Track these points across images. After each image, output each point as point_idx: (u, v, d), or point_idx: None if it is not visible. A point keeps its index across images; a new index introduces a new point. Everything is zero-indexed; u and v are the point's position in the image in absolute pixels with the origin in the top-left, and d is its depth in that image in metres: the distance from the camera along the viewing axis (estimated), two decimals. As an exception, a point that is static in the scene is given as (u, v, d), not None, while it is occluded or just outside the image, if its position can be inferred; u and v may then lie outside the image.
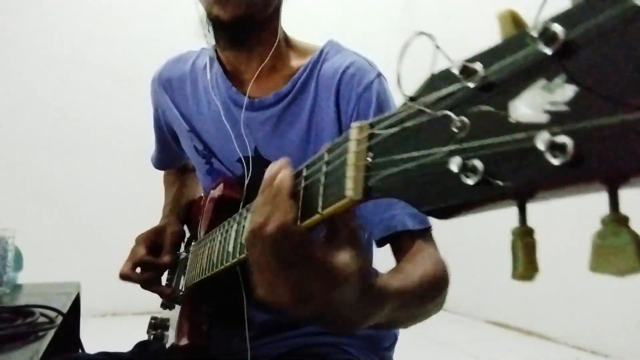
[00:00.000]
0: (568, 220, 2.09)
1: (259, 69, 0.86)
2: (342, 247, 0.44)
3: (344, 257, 0.43)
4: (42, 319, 0.99)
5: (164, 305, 1.02)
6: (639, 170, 0.20)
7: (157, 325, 0.96)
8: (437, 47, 0.31)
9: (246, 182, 0.85)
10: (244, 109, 0.86)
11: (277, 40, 0.86)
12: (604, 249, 0.22)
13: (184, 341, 0.79)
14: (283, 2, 0.87)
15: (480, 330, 3.11)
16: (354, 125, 0.40)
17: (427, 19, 3.77)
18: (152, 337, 0.97)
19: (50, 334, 0.94)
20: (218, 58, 0.92)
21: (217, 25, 0.81)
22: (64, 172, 3.32)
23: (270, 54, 0.86)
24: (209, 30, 0.84)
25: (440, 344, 2.84)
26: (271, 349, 0.86)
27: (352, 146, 0.38)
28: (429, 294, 0.63)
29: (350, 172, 0.38)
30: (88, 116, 3.39)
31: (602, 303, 2.47)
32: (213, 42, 0.89)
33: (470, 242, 3.12)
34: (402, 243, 0.73)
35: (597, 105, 0.22)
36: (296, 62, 0.88)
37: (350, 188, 0.37)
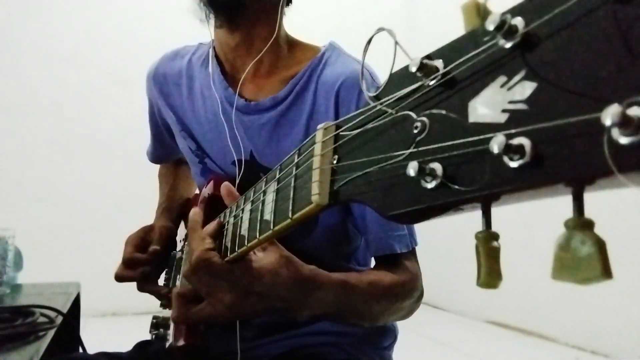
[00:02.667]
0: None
1: (254, 61, 0.84)
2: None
3: (260, 256, 0.56)
4: (42, 319, 0.98)
5: (164, 305, 1.02)
6: (601, 172, 0.18)
7: (159, 325, 0.96)
8: (397, 43, 0.29)
9: (237, 183, 0.84)
10: (234, 109, 0.84)
11: (274, 36, 0.83)
12: (567, 258, 0.20)
13: (181, 341, 0.79)
14: (287, 4, 0.86)
15: (480, 330, 3.11)
16: (320, 126, 0.38)
17: (427, 19, 3.77)
18: (154, 336, 0.97)
19: (50, 334, 0.94)
20: (216, 57, 0.90)
21: (211, 3, 0.79)
22: (64, 172, 3.32)
23: (266, 48, 0.83)
24: (203, 13, 0.82)
25: (440, 344, 2.84)
26: (270, 349, 0.86)
27: (317, 149, 0.37)
28: (383, 295, 0.72)
29: (315, 176, 0.36)
30: (88, 116, 3.39)
31: (602, 303, 2.47)
32: (210, 33, 0.87)
33: (470, 243, 3.12)
34: (384, 260, 0.80)
35: (557, 102, 0.20)
36: (296, 65, 0.86)
37: (316, 193, 0.35)
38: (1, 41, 3.27)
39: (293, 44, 0.89)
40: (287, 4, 0.86)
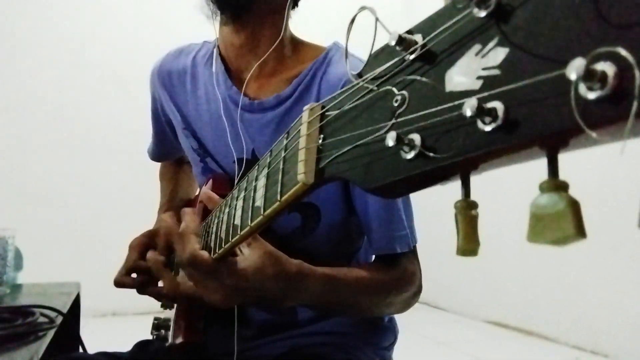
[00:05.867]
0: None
1: (259, 62, 0.84)
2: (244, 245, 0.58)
3: (245, 253, 0.58)
4: (42, 319, 0.99)
5: (164, 305, 1.02)
6: (571, 130, 0.19)
7: (160, 326, 0.96)
8: (377, 19, 0.30)
9: (236, 182, 0.84)
10: (239, 108, 0.84)
11: (280, 37, 0.83)
12: (541, 217, 0.20)
13: (180, 340, 0.79)
14: (293, 7, 0.85)
15: (480, 330, 3.11)
16: (306, 107, 0.39)
17: (427, 19, 3.77)
18: (155, 337, 0.97)
19: (50, 334, 0.94)
20: (220, 55, 0.90)
21: (218, 1, 0.79)
22: (64, 172, 3.32)
23: (272, 48, 0.83)
24: (210, 10, 0.81)
25: (440, 344, 2.84)
26: (271, 348, 0.86)
27: (303, 129, 0.38)
28: (373, 290, 0.74)
29: (301, 156, 0.36)
30: (88, 116, 3.39)
31: (602, 303, 2.47)
32: (215, 30, 0.87)
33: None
34: (384, 258, 0.81)
35: (528, 64, 0.20)
36: (300, 64, 0.85)
37: (302, 172, 0.36)
38: (1, 41, 3.27)
39: (297, 44, 0.89)
40: (293, 7, 0.86)
